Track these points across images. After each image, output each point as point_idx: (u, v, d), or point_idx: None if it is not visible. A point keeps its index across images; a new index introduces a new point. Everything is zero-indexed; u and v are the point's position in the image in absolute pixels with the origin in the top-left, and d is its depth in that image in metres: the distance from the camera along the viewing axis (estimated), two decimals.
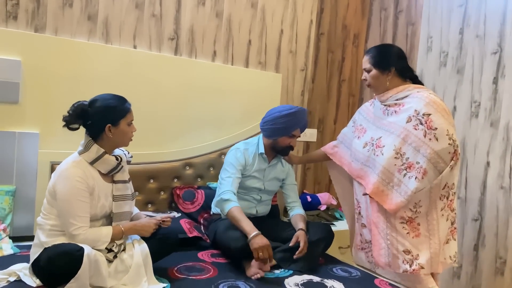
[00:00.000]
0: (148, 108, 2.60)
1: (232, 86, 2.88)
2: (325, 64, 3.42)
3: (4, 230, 2.10)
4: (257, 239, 2.01)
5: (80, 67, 2.37)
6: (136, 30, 2.58)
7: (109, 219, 1.88)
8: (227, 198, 2.19)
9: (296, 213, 2.41)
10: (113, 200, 1.86)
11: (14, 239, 2.16)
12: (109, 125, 1.81)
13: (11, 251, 2.05)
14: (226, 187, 2.25)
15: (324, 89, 3.45)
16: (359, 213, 2.33)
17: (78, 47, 2.36)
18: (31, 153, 2.25)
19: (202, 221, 2.56)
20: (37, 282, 1.70)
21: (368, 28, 3.57)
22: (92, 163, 1.81)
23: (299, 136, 2.43)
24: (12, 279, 1.73)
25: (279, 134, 2.37)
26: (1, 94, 2.18)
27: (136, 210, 2.09)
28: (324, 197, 3.30)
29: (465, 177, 2.78)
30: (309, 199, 3.20)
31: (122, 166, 1.90)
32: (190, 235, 2.32)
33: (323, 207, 3.23)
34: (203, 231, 2.48)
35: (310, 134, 3.36)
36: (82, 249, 1.61)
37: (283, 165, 2.55)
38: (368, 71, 2.20)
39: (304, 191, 3.39)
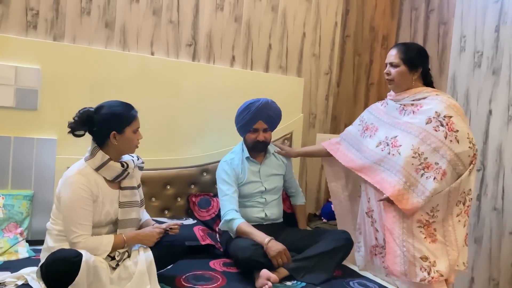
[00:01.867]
0: (166, 114, 2.59)
1: (252, 91, 2.80)
2: (351, 67, 3.29)
3: (21, 233, 2.15)
4: (272, 246, 1.98)
5: (98, 74, 2.41)
6: (153, 37, 2.59)
7: (115, 225, 1.87)
8: (231, 218, 2.17)
9: (297, 203, 2.59)
10: (119, 207, 1.85)
11: (32, 242, 2.20)
12: (114, 132, 1.80)
13: (26, 254, 2.10)
14: (225, 207, 2.24)
15: (351, 93, 3.32)
16: (371, 216, 2.20)
17: (95, 55, 2.40)
18: (49, 159, 2.30)
19: (217, 230, 2.51)
20: (43, 286, 1.71)
21: (398, 29, 3.40)
22: (97, 169, 1.80)
23: (267, 128, 2.37)
24: (20, 282, 1.76)
25: (244, 131, 2.38)
26: (20, 101, 2.25)
27: (146, 216, 2.07)
28: None
29: (502, 186, 2.56)
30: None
31: (129, 173, 1.88)
32: (203, 243, 2.28)
33: None
34: (218, 239, 2.43)
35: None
36: (80, 255, 1.60)
37: (278, 159, 2.51)
38: (395, 66, 2.13)
39: (329, 199, 3.26)
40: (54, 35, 2.36)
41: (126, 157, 1.95)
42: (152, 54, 2.60)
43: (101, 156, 1.81)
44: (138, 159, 2.01)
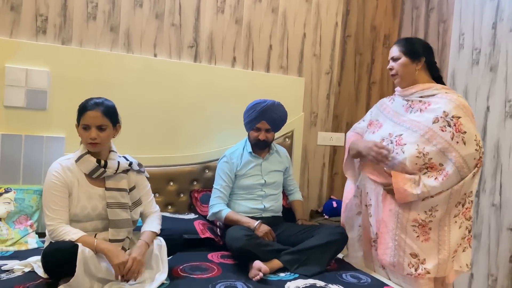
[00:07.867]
0: (169, 114, 2.70)
1: (253, 91, 2.90)
2: (352, 66, 3.34)
3: (31, 225, 2.29)
4: (260, 228, 2.25)
5: (104, 75, 2.53)
6: (156, 39, 2.70)
7: (102, 223, 1.90)
8: (218, 210, 2.37)
9: (295, 198, 2.69)
10: (107, 207, 1.88)
11: (41, 234, 2.32)
12: (76, 124, 1.89)
13: (35, 245, 2.22)
14: (211, 201, 2.44)
15: (352, 92, 3.37)
16: (368, 210, 2.23)
17: (101, 57, 2.53)
18: (58, 156, 2.38)
19: (218, 224, 2.60)
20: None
21: (400, 28, 3.44)
22: (76, 161, 1.89)
23: (269, 129, 2.46)
24: (27, 270, 1.87)
25: (248, 129, 2.51)
26: (31, 102, 2.39)
27: (148, 228, 1.96)
28: None
29: (500, 182, 2.57)
30: (334, 204, 3.12)
31: (105, 171, 1.88)
32: (202, 236, 2.37)
33: None
34: (218, 233, 2.52)
35: (336, 138, 3.30)
36: (75, 246, 1.68)
37: (280, 156, 2.61)
38: (397, 59, 2.11)
39: (331, 196, 3.31)
40: (62, 39, 2.50)
41: (121, 159, 1.96)
42: (155, 56, 2.71)
43: (81, 148, 1.90)
44: (134, 163, 2.00)
